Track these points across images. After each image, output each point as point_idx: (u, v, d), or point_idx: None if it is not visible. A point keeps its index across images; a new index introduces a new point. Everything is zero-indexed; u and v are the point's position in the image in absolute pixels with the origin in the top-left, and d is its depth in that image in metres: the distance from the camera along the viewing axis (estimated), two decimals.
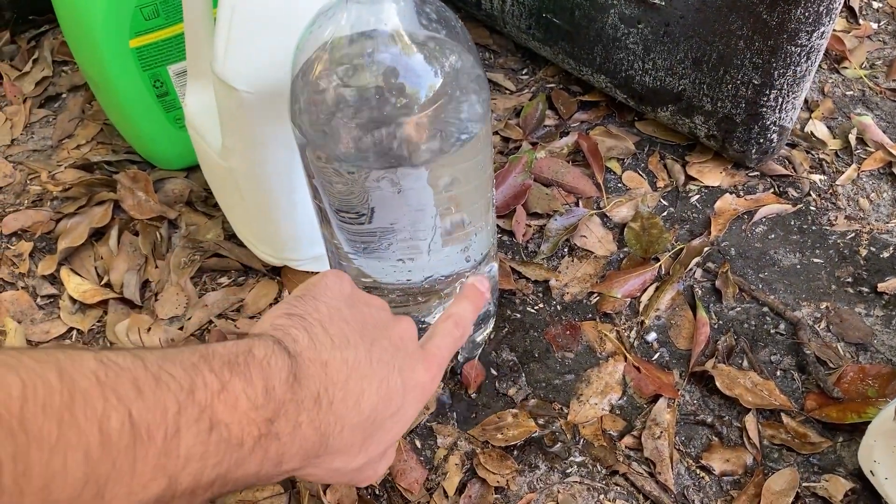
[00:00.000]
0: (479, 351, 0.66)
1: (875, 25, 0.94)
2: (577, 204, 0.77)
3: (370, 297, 0.45)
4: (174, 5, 0.69)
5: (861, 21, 0.94)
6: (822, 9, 0.65)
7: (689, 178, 0.79)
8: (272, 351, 0.34)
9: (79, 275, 0.73)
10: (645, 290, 0.70)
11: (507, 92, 0.88)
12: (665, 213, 0.76)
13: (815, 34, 0.67)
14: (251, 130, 0.59)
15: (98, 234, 0.76)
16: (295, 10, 0.52)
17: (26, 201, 0.80)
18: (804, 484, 0.58)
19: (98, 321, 0.70)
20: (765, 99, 0.72)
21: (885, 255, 0.72)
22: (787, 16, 0.66)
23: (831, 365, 0.64)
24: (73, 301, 0.71)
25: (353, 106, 0.48)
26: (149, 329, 0.69)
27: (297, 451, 0.34)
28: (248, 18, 0.56)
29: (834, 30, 0.92)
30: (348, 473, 0.40)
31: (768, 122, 0.73)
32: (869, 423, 0.57)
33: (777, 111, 0.73)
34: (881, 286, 0.69)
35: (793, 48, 0.68)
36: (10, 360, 0.26)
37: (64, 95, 0.91)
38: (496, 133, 0.84)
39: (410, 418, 0.42)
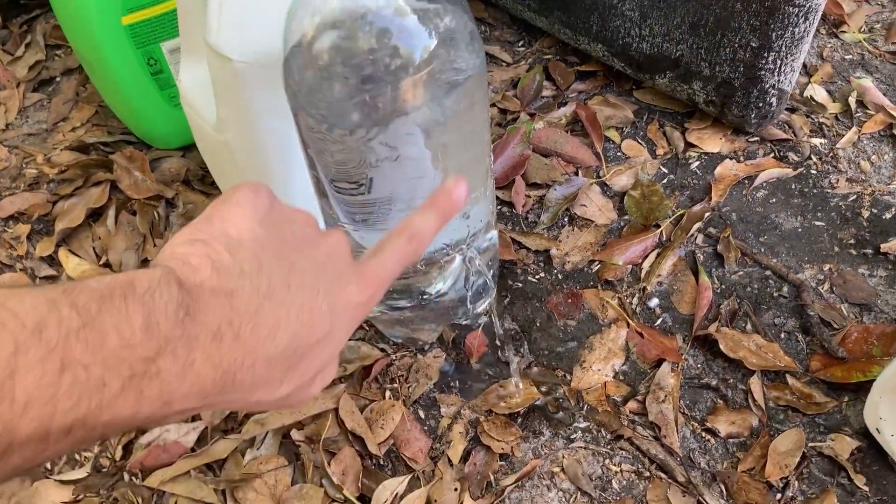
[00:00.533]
0: (482, 321, 0.66)
1: None
2: (576, 173, 0.76)
3: (293, 212, 0.40)
4: None
5: None
6: None
7: (689, 145, 0.78)
8: (158, 283, 0.30)
9: (77, 255, 0.73)
10: (646, 256, 0.69)
11: (504, 64, 0.88)
12: (665, 181, 0.76)
13: None
14: (246, 101, 0.58)
15: (95, 215, 0.76)
16: None
17: (23, 184, 0.79)
18: (810, 444, 0.58)
19: None
20: (763, 62, 0.71)
21: (888, 216, 0.71)
22: None
23: (835, 326, 0.64)
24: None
25: (347, 68, 0.47)
26: None
27: (189, 391, 0.31)
28: None
29: None
30: (273, 403, 0.36)
31: (767, 86, 0.73)
32: (874, 381, 0.56)
33: (776, 74, 0.72)
34: (884, 247, 0.69)
35: (790, 8, 0.67)
36: None
37: (58, 79, 0.90)
38: (494, 105, 0.83)
39: (341, 342, 0.38)
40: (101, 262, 0.72)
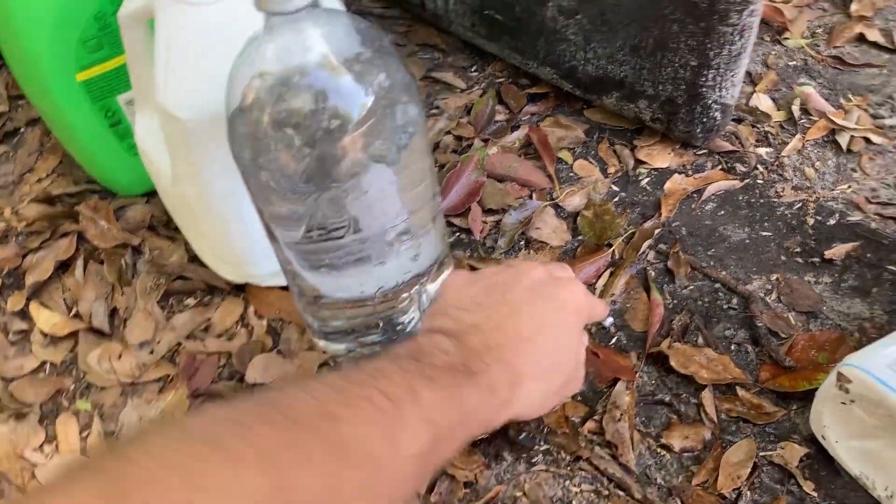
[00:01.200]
0: None
1: None
2: (530, 197, 0.79)
3: (494, 268, 0.55)
4: (116, 36, 0.70)
5: None
6: None
7: (639, 162, 0.80)
8: (428, 337, 0.48)
9: (48, 308, 0.74)
10: (600, 276, 0.72)
11: (458, 90, 0.90)
12: (617, 199, 0.78)
13: (745, 12, 0.69)
14: (198, 157, 0.60)
15: (64, 266, 0.77)
16: (230, 38, 0.54)
17: None
18: (761, 453, 0.60)
19: (70, 352, 0.72)
20: (703, 79, 0.73)
21: (832, 222, 0.73)
22: None
23: (783, 335, 0.66)
24: (44, 335, 0.73)
25: (288, 132, 0.49)
26: (119, 356, 0.70)
27: (498, 379, 0.47)
28: (185, 48, 0.57)
29: (773, 0, 0.94)
30: (556, 394, 0.54)
31: (709, 102, 0.75)
32: (821, 385, 0.59)
33: (717, 90, 0.74)
34: (828, 253, 0.71)
35: (725, 28, 0.69)
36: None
37: (22, 130, 0.92)
38: (449, 132, 0.85)
39: (574, 323, 0.54)
40: (71, 314, 0.74)
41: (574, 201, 0.78)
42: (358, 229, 0.53)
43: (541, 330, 0.50)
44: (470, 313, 0.50)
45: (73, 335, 0.72)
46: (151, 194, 0.82)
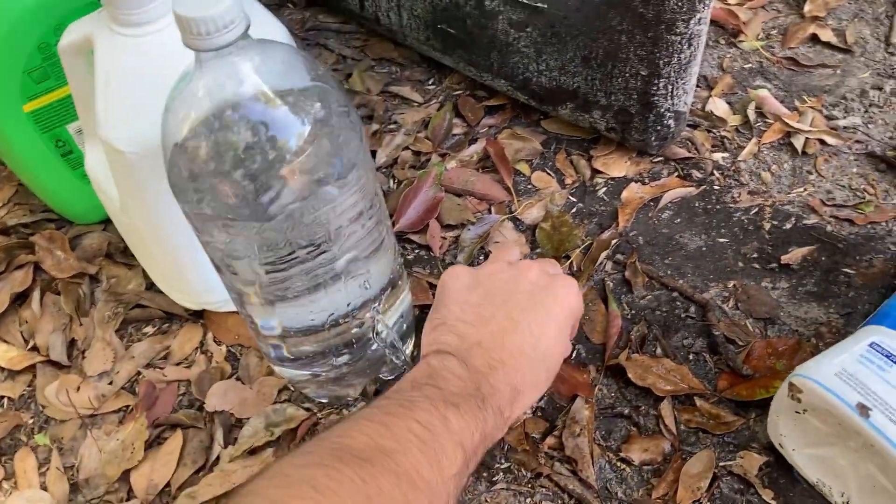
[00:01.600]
0: (406, 369, 0.68)
1: None
2: (489, 211, 0.78)
3: (490, 268, 0.57)
4: (61, 66, 0.70)
5: None
6: None
7: (596, 172, 0.80)
8: (438, 360, 0.50)
9: (5, 341, 0.74)
10: None
11: (415, 104, 0.89)
12: (574, 210, 0.78)
13: (692, 21, 0.69)
14: (144, 189, 0.60)
15: (21, 298, 0.77)
16: (170, 68, 0.53)
17: None
18: (721, 464, 0.60)
19: (28, 386, 0.71)
20: (655, 88, 0.73)
21: (788, 226, 0.74)
22: (661, 7, 0.67)
23: (740, 343, 0.66)
24: (2, 369, 0.72)
25: (227, 166, 0.49)
26: (78, 388, 0.70)
27: (503, 399, 0.50)
28: (125, 79, 0.56)
29: (728, 3, 0.94)
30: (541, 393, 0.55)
31: (662, 110, 0.75)
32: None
33: (669, 98, 0.74)
34: (785, 258, 0.71)
35: (673, 37, 0.69)
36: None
37: None
38: (407, 148, 0.85)
39: (566, 326, 0.56)
40: (29, 347, 0.73)
41: (532, 214, 0.77)
42: (304, 258, 0.53)
43: (538, 343, 0.53)
44: (474, 328, 0.52)
45: (31, 368, 0.72)
46: (108, 221, 0.81)
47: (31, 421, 0.69)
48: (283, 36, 0.63)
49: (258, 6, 0.64)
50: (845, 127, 0.81)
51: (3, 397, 0.71)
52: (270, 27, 0.63)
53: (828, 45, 0.89)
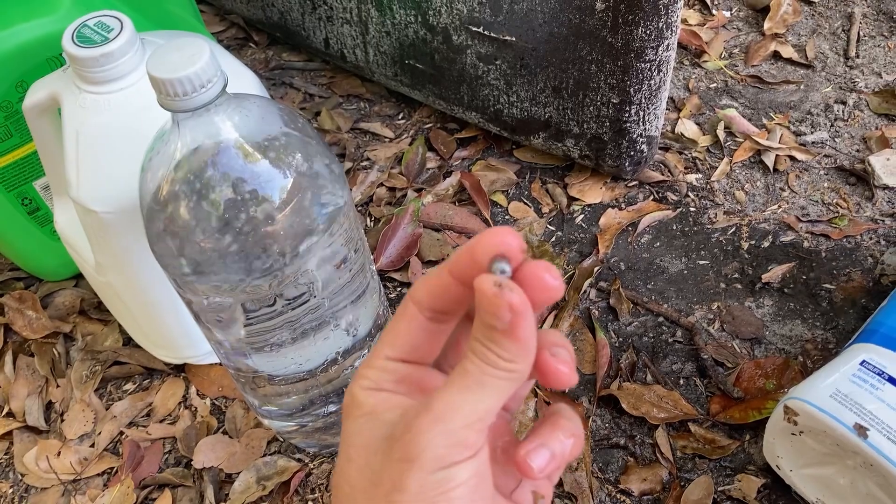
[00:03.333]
0: None
1: (728, 14, 0.97)
2: None
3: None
4: (25, 123, 0.68)
5: (714, 12, 0.97)
6: (661, 25, 0.67)
7: (572, 199, 0.80)
8: None
9: None
10: (544, 320, 0.71)
11: (387, 140, 0.89)
12: (553, 238, 0.78)
13: (660, 48, 0.69)
14: (120, 248, 0.58)
15: None
16: (142, 124, 0.52)
17: None
18: (719, 489, 0.60)
19: (5, 454, 0.69)
20: (626, 115, 0.74)
21: (766, 244, 0.74)
22: (630, 36, 0.68)
23: (729, 365, 0.67)
24: None
25: (210, 223, 0.48)
26: (58, 453, 0.67)
27: None
28: (95, 138, 0.55)
29: (689, 24, 0.96)
30: None
31: (635, 136, 0.75)
32: (770, 417, 0.59)
33: (640, 124, 0.75)
34: (765, 276, 0.72)
35: (642, 65, 0.70)
36: None
37: None
38: (382, 185, 0.84)
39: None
40: (3, 413, 0.71)
41: None
42: (289, 309, 0.52)
43: None
44: None
45: (8, 436, 0.69)
46: (79, 276, 0.79)
47: (10, 491, 0.67)
48: (252, 83, 0.63)
49: (226, 53, 0.63)
50: (813, 142, 0.82)
51: None
52: (240, 76, 0.62)
53: (790, 61, 0.91)
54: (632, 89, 0.72)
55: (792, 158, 0.81)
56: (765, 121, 0.85)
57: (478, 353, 0.29)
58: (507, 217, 0.80)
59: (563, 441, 0.32)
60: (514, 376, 0.29)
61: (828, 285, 0.71)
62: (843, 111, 0.84)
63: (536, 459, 0.31)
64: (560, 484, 0.62)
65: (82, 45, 0.53)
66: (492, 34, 0.74)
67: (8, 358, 0.73)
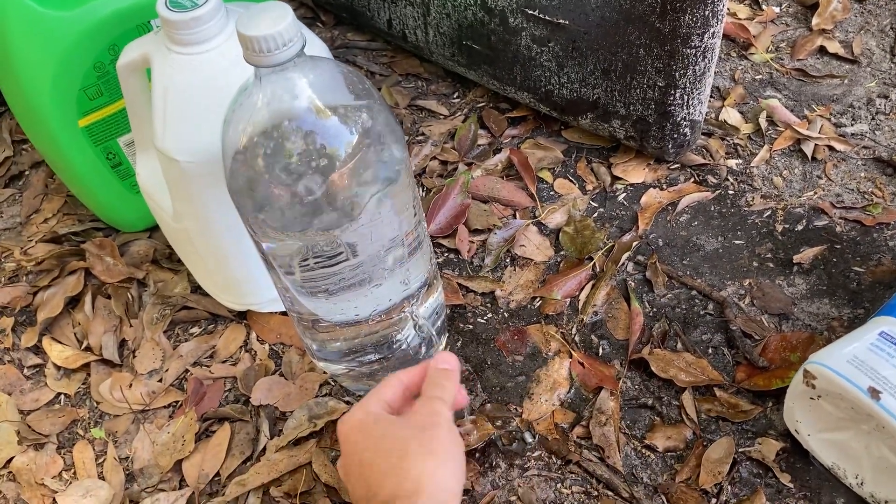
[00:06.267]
0: None
1: (777, 9, 1.00)
2: (514, 216, 0.83)
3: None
4: (115, 83, 0.74)
5: (764, 7, 1.00)
6: (707, 13, 0.71)
7: (615, 178, 0.84)
8: None
9: (60, 342, 0.78)
10: (582, 288, 0.76)
11: (441, 117, 0.94)
12: (596, 214, 0.82)
13: (706, 35, 0.73)
14: (197, 196, 0.64)
15: (74, 302, 0.81)
16: (222, 84, 0.58)
17: (3, 279, 0.85)
18: (740, 449, 0.64)
19: (83, 384, 0.75)
20: (671, 98, 0.77)
21: (800, 227, 0.78)
22: (677, 23, 0.72)
23: (756, 337, 0.70)
24: (58, 368, 0.76)
25: (282, 172, 0.53)
26: (130, 385, 0.74)
27: None
28: (181, 94, 0.61)
29: (739, 18, 0.99)
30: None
31: (679, 119, 0.79)
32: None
33: (685, 108, 0.78)
34: (797, 258, 0.75)
35: (688, 50, 0.74)
36: None
37: (27, 172, 0.96)
38: (434, 158, 0.89)
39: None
40: (82, 347, 0.78)
41: (555, 218, 0.82)
42: (352, 255, 0.57)
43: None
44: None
45: (86, 367, 0.76)
46: (153, 229, 0.86)
47: (87, 416, 0.73)
48: (322, 50, 0.68)
49: (302, 25, 0.68)
50: (853, 134, 0.85)
51: (60, 394, 0.75)
52: (312, 43, 0.67)
53: (835, 56, 0.93)
54: (677, 73, 0.75)
55: (831, 148, 0.84)
56: (806, 112, 0.88)
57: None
58: (551, 192, 0.84)
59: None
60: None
61: (857, 268, 0.74)
62: (885, 105, 0.87)
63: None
64: (589, 436, 0.66)
65: (174, 9, 0.59)
66: (546, 17, 0.79)
67: (87, 299, 0.80)
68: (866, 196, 0.79)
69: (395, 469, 0.47)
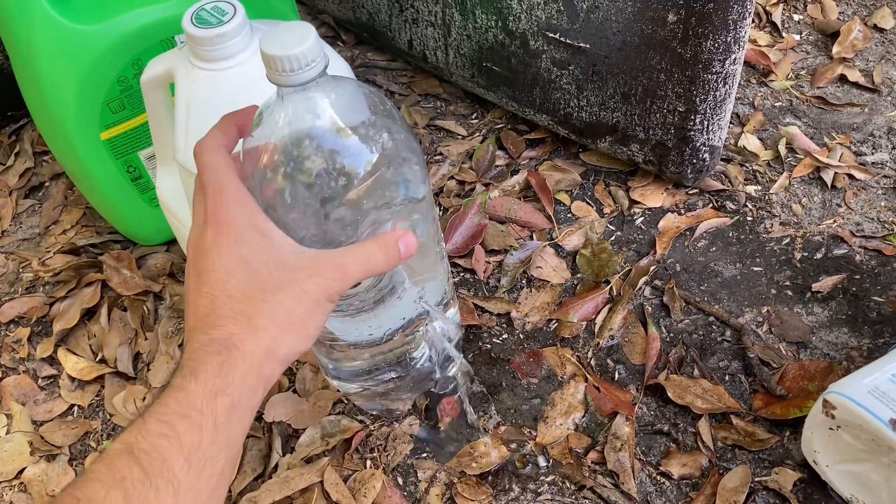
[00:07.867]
0: (452, 387, 0.71)
1: (798, 37, 1.00)
2: (531, 237, 0.83)
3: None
4: (137, 97, 0.75)
5: (784, 34, 1.00)
6: (729, 39, 0.71)
7: (633, 202, 0.84)
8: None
9: (75, 354, 0.78)
10: (599, 312, 0.75)
11: (460, 137, 0.94)
12: (613, 238, 0.82)
13: (727, 61, 0.73)
14: None
15: (90, 314, 0.81)
16: (245, 99, 0.58)
17: (20, 289, 0.85)
18: (756, 479, 0.63)
19: (96, 395, 0.75)
20: (691, 123, 0.77)
21: (818, 255, 0.77)
22: (699, 48, 0.72)
23: (774, 365, 0.70)
24: (72, 379, 0.76)
25: (302, 190, 0.53)
26: (144, 398, 0.74)
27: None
28: (203, 109, 0.61)
29: (759, 45, 0.99)
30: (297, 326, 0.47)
31: (698, 144, 0.79)
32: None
33: (704, 133, 0.78)
34: (815, 286, 0.74)
35: (709, 76, 0.74)
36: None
37: (47, 184, 0.97)
38: (452, 178, 0.89)
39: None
40: (97, 359, 0.78)
41: (572, 241, 0.81)
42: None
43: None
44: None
45: (100, 379, 0.76)
46: (171, 242, 0.86)
47: (100, 428, 0.73)
48: (345, 70, 0.69)
49: (324, 44, 0.69)
50: (873, 162, 0.84)
51: (73, 406, 0.75)
52: (334, 62, 0.68)
53: (855, 84, 0.93)
54: (698, 99, 0.75)
55: (850, 177, 0.83)
56: (826, 140, 0.88)
57: None
58: (569, 215, 0.84)
59: None
60: None
61: (877, 298, 0.73)
62: None
63: None
64: (603, 462, 0.65)
65: (200, 25, 0.59)
66: (567, 41, 0.79)
67: (103, 311, 0.81)
68: (886, 225, 0.79)
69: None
